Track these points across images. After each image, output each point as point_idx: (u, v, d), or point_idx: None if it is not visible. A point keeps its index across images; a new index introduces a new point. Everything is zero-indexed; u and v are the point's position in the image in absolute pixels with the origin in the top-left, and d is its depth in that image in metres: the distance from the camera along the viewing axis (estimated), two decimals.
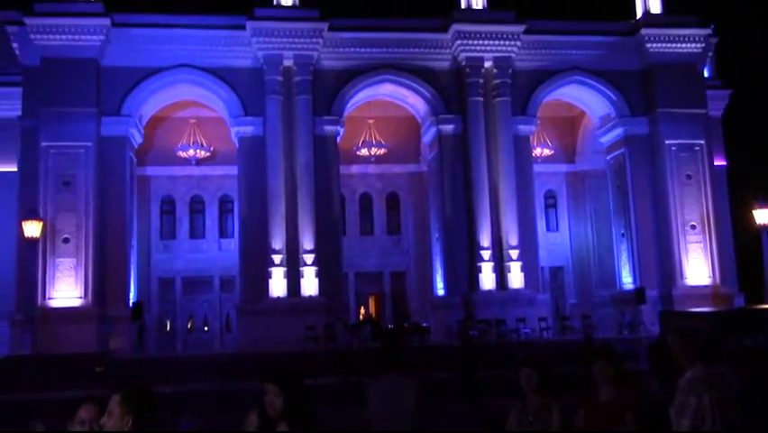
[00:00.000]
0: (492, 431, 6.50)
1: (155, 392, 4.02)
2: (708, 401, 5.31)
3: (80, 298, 30.80)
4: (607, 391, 5.73)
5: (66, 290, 30.74)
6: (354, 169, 40.23)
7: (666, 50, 36.29)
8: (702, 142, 35.96)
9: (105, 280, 31.58)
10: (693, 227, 35.21)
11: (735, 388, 7.21)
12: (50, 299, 30.60)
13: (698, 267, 34.96)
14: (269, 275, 32.42)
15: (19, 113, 32.68)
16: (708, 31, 36.84)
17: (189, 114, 38.57)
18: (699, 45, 36.61)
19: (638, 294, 34.10)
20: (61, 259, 30.92)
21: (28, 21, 31.87)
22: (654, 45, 36.20)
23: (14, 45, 32.88)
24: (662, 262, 35.32)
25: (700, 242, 35.15)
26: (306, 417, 4.63)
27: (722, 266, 35.31)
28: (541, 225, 40.03)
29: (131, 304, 32.16)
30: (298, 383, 4.67)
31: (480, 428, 6.85)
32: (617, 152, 37.66)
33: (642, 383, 6.41)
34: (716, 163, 37.43)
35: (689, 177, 35.59)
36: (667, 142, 35.73)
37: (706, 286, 34.63)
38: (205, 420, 18.20)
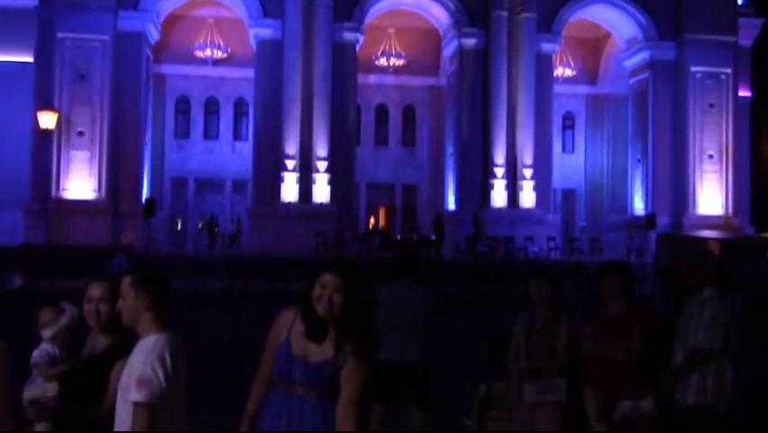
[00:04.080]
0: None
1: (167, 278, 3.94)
2: (725, 316, 5.34)
3: (94, 191, 31.05)
4: (615, 306, 5.75)
5: (80, 182, 30.96)
6: (372, 79, 39.65)
7: None
8: (729, 71, 35.19)
9: (118, 176, 31.75)
10: (711, 157, 34.87)
11: (743, 316, 7.28)
12: (63, 190, 30.85)
13: (711, 197, 34.81)
14: (281, 180, 32.49)
15: (37, 2, 32.13)
16: None
17: (207, 13, 37.81)
18: None
19: (649, 220, 34.10)
20: (76, 152, 31.00)
21: None
22: None
23: None
24: (676, 190, 35.19)
25: (716, 172, 34.89)
26: (364, 321, 3.87)
27: (736, 197, 35.16)
28: (557, 146, 39.68)
29: (143, 200, 32.41)
30: (358, 280, 3.88)
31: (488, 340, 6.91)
32: (640, 77, 36.95)
33: (648, 305, 6.46)
34: (740, 94, 36.72)
35: (711, 106, 35.00)
36: (693, 69, 35.00)
37: (718, 216, 34.57)
38: (217, 316, 18.65)
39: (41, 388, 4.08)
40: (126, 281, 3.76)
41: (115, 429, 3.65)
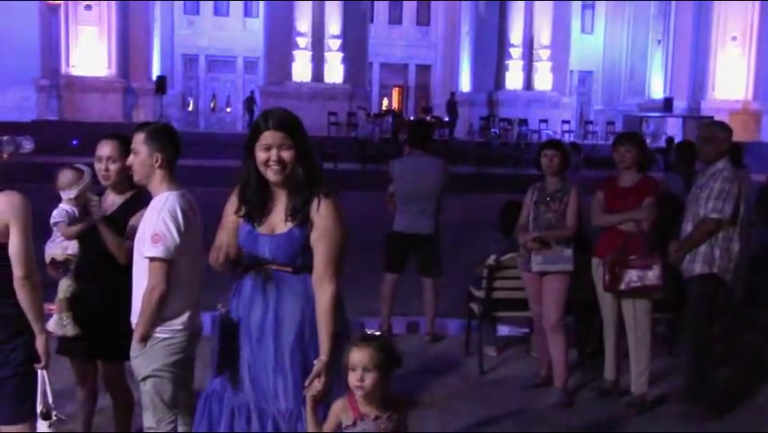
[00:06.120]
0: None
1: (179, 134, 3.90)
2: (736, 187, 5.33)
3: (104, 68, 30.71)
4: (628, 176, 5.73)
5: (90, 58, 30.53)
6: None
7: None
8: None
9: (128, 52, 31.29)
10: (734, 39, 33.86)
11: (752, 189, 7.27)
12: (73, 67, 30.49)
13: (732, 81, 34.04)
14: (293, 59, 31.98)
15: None
16: None
17: None
18: None
19: (666, 104, 33.58)
20: (84, 27, 30.39)
21: None
22: None
23: None
24: (696, 73, 34.45)
25: (739, 55, 33.98)
26: (321, 172, 3.26)
27: (757, 82, 34.41)
28: (575, 26, 38.56)
29: (154, 78, 32.08)
30: (303, 129, 3.22)
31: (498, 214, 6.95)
32: None
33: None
34: None
35: None
36: None
37: (736, 101, 33.95)
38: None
39: (61, 246, 4.19)
40: (140, 137, 3.73)
41: (134, 286, 3.74)
